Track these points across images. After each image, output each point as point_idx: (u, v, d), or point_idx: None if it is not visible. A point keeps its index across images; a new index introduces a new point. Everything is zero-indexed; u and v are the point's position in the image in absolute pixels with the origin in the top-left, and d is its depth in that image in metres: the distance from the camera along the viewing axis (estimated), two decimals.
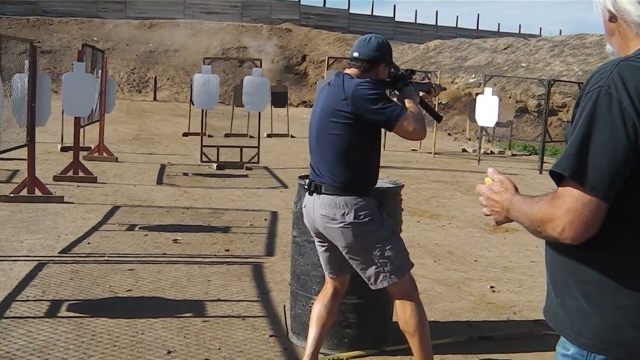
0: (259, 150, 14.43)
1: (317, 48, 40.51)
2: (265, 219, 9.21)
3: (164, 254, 7.29)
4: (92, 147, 14.64)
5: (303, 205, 4.26)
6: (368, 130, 4.02)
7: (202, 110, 14.81)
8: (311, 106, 24.31)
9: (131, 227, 8.45)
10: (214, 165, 14.02)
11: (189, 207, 9.89)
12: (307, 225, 4.27)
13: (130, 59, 38.08)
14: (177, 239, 7.86)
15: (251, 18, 43.99)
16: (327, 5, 48.22)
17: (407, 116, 3.96)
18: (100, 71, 14.57)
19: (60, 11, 41.30)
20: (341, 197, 3.96)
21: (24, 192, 9.71)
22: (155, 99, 35.22)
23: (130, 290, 6.10)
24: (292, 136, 20.36)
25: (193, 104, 15.97)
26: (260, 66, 14.91)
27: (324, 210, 4.00)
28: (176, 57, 38.91)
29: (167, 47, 39.51)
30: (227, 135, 18.74)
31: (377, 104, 3.91)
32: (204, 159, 14.37)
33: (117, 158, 14.38)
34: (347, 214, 3.93)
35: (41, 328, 5.15)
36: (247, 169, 13.95)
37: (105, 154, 14.48)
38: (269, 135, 19.54)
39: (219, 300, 5.93)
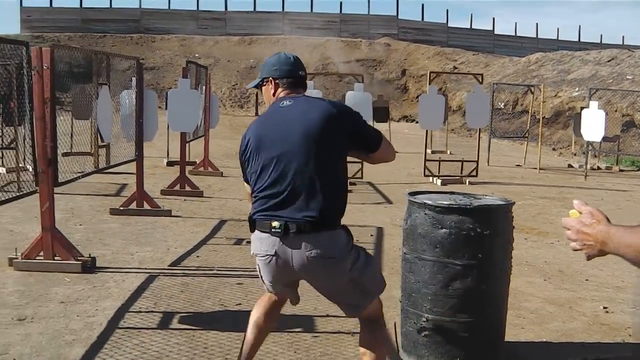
0: (362, 165, 14.41)
1: (416, 62, 40.33)
2: (371, 235, 9.15)
3: None
4: (197, 162, 14.93)
5: (272, 253, 3.65)
6: (347, 150, 3.80)
7: None
8: (413, 121, 24.26)
9: (238, 241, 8.52)
10: None
11: None
12: (268, 271, 3.79)
13: (231, 75, 38.76)
14: None
15: (349, 33, 44.19)
16: (425, 19, 48.03)
17: (387, 141, 3.93)
18: (204, 87, 14.84)
19: (162, 28, 42.46)
20: (334, 231, 3.62)
21: (133, 206, 9.95)
22: (256, 114, 35.71)
23: (240, 304, 6.14)
24: None
25: None
26: (362, 81, 14.90)
27: (320, 251, 3.56)
28: None
29: None
30: None
31: (363, 121, 3.81)
32: None
33: (222, 173, 14.60)
34: (332, 252, 3.58)
35: (154, 339, 5.23)
36: (351, 184, 13.93)
37: (210, 169, 14.73)
38: None
39: (328, 315, 5.89)
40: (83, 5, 42.78)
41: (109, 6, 43.44)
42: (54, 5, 42.62)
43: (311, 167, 3.55)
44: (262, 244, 3.69)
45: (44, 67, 6.65)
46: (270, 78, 3.90)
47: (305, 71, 3.97)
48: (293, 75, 3.85)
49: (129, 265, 7.28)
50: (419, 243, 4.76)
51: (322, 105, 3.71)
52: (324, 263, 3.57)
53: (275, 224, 3.57)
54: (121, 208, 9.88)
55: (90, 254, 7.19)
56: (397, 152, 4.33)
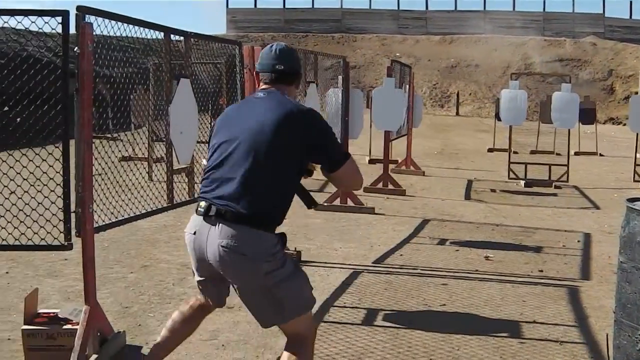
0: (568, 168, 13.86)
1: (624, 62, 38.36)
2: (578, 241, 8.76)
3: (476, 270, 7.17)
4: (399, 161, 14.97)
5: (192, 232, 3.56)
6: (303, 162, 3.56)
7: (509, 126, 14.53)
8: (620, 123, 22.96)
9: (442, 242, 8.44)
10: (522, 182, 13.67)
11: (498, 224, 9.69)
12: (189, 251, 3.66)
13: (431, 74, 38.63)
14: (488, 256, 7.71)
15: (553, 32, 42.73)
16: (633, 17, 45.55)
17: (353, 162, 3.60)
18: (407, 86, 14.84)
19: (363, 28, 42.97)
20: (249, 229, 3.38)
21: (337, 202, 10.10)
22: (457, 113, 35.39)
23: (444, 304, 6.05)
24: (600, 154, 19.37)
25: (499, 120, 15.71)
26: (570, 81, 14.34)
27: (224, 242, 3.39)
28: (477, 72, 38.84)
29: (468, 62, 39.58)
30: (532, 152, 18.22)
31: (330, 137, 3.55)
32: (511, 175, 14.07)
33: (424, 172, 14.57)
34: (249, 250, 3.37)
35: (359, 335, 5.26)
36: (556, 187, 13.42)
37: (412, 168, 14.73)
38: (576, 153, 18.73)
39: (535, 322, 5.69)
40: (286, 6, 44.13)
41: (311, 6, 44.52)
42: (258, 6, 44.29)
43: (251, 161, 3.39)
44: (190, 222, 3.62)
45: (256, 65, 6.86)
46: (255, 71, 3.83)
47: (293, 65, 3.70)
48: (271, 69, 3.64)
49: (333, 261, 7.39)
50: (637, 252, 4.48)
51: (287, 107, 3.50)
52: (234, 258, 3.38)
53: (202, 204, 3.50)
54: (325, 204, 10.06)
55: (295, 248, 7.36)
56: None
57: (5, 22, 4.53)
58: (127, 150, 12.76)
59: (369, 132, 14.88)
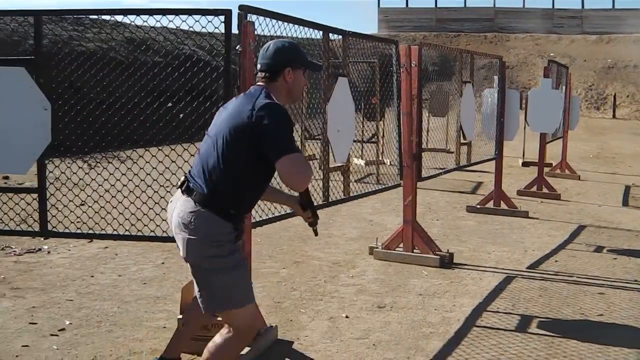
0: None
1: None
2: None
3: (635, 280, 6.83)
4: (554, 164, 14.52)
5: (172, 200, 3.75)
6: (254, 150, 3.47)
7: None
8: None
9: (598, 249, 8.09)
10: None
11: None
12: (168, 220, 3.81)
13: (587, 75, 37.30)
14: None
15: None
16: None
17: (296, 158, 3.38)
18: (564, 87, 14.37)
19: (516, 27, 42.02)
20: (203, 210, 3.50)
21: (490, 205, 9.90)
22: (614, 116, 34.00)
23: (602, 315, 5.79)
24: None
25: None
26: None
27: (181, 214, 3.55)
28: (636, 73, 37.20)
29: (626, 63, 37.96)
30: None
31: (281, 130, 3.41)
32: None
33: (579, 176, 14.06)
34: (196, 229, 3.49)
35: (512, 341, 5.11)
36: None
37: (567, 171, 14.25)
38: None
39: None
40: (438, 5, 43.76)
41: (463, 6, 43.97)
42: (410, 5, 44.13)
43: (211, 147, 3.57)
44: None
45: (412, 65, 6.82)
46: None
47: (269, 63, 3.68)
48: (259, 68, 3.73)
49: (486, 264, 7.24)
50: None
51: (245, 101, 3.57)
52: (178, 230, 3.56)
53: (182, 177, 3.71)
54: (478, 206, 9.89)
55: (448, 250, 7.26)
56: None
57: (157, 20, 4.70)
58: None
59: (523, 134, 14.52)
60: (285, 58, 3.68)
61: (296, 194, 3.84)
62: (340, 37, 6.18)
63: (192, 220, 3.51)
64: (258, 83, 3.71)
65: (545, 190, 11.64)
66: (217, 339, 3.66)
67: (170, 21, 4.57)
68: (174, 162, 5.06)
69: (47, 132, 4.80)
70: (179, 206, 3.59)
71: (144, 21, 4.62)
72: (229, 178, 3.51)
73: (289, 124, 3.45)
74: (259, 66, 3.74)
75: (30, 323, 5.28)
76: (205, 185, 3.53)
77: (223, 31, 4.40)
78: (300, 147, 12.30)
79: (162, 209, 4.69)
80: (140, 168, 5.35)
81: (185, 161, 4.86)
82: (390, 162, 12.17)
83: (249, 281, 3.76)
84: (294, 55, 3.73)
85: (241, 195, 3.58)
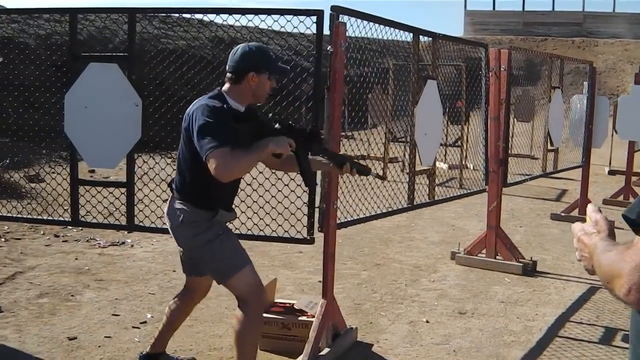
0: None
1: None
2: None
3: None
4: None
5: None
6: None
7: None
8: None
9: None
10: None
11: None
12: None
13: None
14: None
15: None
16: None
17: (217, 156, 3.50)
18: None
19: (605, 32, 40.93)
20: (177, 202, 3.92)
21: (575, 213, 9.69)
22: None
23: None
24: None
25: None
26: None
27: (166, 210, 4.01)
28: None
29: None
30: None
31: (201, 130, 3.59)
32: None
33: None
34: (177, 218, 3.89)
35: (595, 354, 5.01)
36: None
37: None
38: None
39: None
40: (525, 9, 43.02)
41: (551, 9, 43.13)
42: (496, 8, 43.49)
43: (179, 149, 3.93)
44: None
45: (502, 69, 6.73)
46: None
47: (232, 65, 3.84)
48: (227, 69, 3.91)
49: (570, 273, 7.09)
50: None
51: (196, 101, 3.82)
52: (167, 223, 4.01)
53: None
54: (562, 214, 9.70)
55: (531, 257, 7.14)
56: None
57: (249, 20, 4.75)
58: (361, 149, 13.07)
59: (611, 141, 14.17)
60: (250, 62, 3.81)
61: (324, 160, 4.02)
62: (429, 39, 6.15)
63: (172, 212, 3.93)
64: (225, 83, 3.91)
65: (632, 199, 11.31)
66: (235, 323, 3.91)
67: (262, 21, 4.62)
68: None
69: (137, 128, 4.90)
70: (168, 204, 4.03)
71: (236, 20, 4.67)
72: (190, 172, 3.84)
73: (215, 122, 3.59)
74: (227, 67, 3.90)
75: (113, 314, 5.41)
76: (178, 180, 3.94)
77: (314, 32, 4.42)
78: (384, 149, 12.31)
79: (246, 205, 4.75)
80: None
81: None
82: (473, 166, 12.04)
83: (236, 247, 3.96)
84: (259, 60, 3.84)
85: (205, 185, 3.82)
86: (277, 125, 3.72)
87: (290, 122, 3.87)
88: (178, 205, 3.90)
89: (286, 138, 3.68)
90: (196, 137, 3.60)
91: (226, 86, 3.87)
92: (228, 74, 3.85)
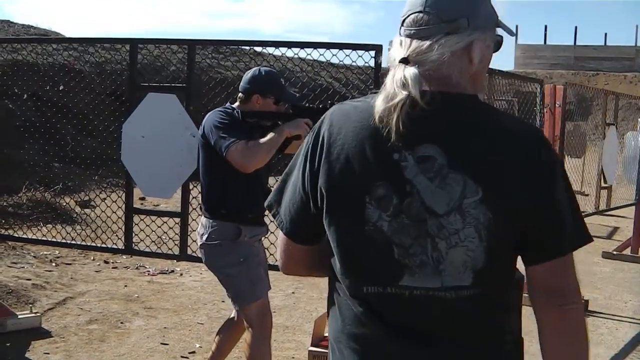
0: None
1: None
2: None
3: None
4: None
5: None
6: (219, 155, 3.78)
7: None
8: None
9: None
10: None
11: None
12: None
13: None
14: None
15: None
16: None
17: (236, 149, 3.68)
18: None
19: None
20: (204, 219, 3.96)
21: (627, 251, 9.53)
22: None
23: None
24: None
25: None
26: None
27: (198, 229, 4.05)
28: None
29: None
30: None
31: (217, 131, 3.76)
32: None
33: None
34: (203, 235, 3.92)
35: None
36: None
37: None
38: None
39: None
40: (577, 43, 42.73)
41: (603, 44, 42.78)
42: (548, 42, 43.26)
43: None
44: None
45: (557, 105, 6.68)
46: None
47: (247, 87, 4.00)
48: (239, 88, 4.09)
49: (622, 314, 6.96)
50: None
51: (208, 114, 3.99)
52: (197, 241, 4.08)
53: None
54: (614, 252, 9.54)
55: (583, 296, 6.99)
56: None
57: (307, 54, 4.78)
58: None
59: None
60: (256, 86, 4.00)
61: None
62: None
63: (200, 228, 4.01)
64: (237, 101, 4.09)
65: None
66: (244, 346, 4.07)
67: (321, 54, 4.65)
68: None
69: (193, 159, 4.94)
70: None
71: (294, 54, 4.71)
72: (209, 183, 3.96)
73: (228, 122, 3.81)
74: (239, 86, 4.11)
75: (162, 343, 5.43)
76: (202, 197, 4.03)
77: (372, 66, 4.44)
78: None
79: None
80: None
81: None
82: None
83: (252, 279, 3.97)
84: (265, 85, 4.01)
85: (224, 194, 3.93)
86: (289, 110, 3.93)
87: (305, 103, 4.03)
88: (204, 221, 3.98)
89: (301, 119, 3.84)
90: (213, 138, 3.78)
91: (236, 104, 4.06)
92: (239, 93, 4.06)
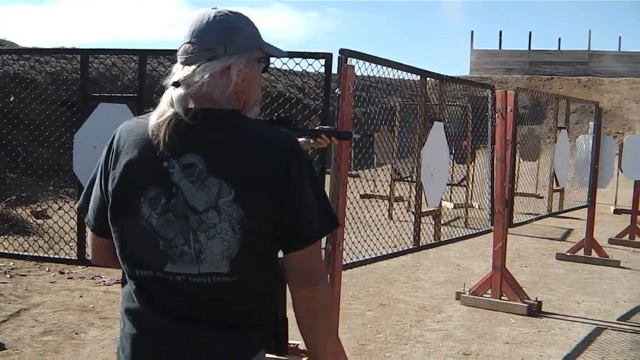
0: None
1: None
2: None
3: None
4: None
5: None
6: None
7: None
8: None
9: None
10: None
11: None
12: None
13: None
14: None
15: None
16: None
17: None
18: None
19: (611, 71, 41.09)
20: None
21: (580, 253, 9.69)
22: None
23: None
24: None
25: None
26: None
27: None
28: None
29: None
30: None
31: None
32: None
33: None
34: None
35: None
36: None
37: None
38: None
39: None
40: (531, 48, 43.26)
41: (557, 49, 43.37)
42: (502, 47, 43.73)
43: None
44: None
45: (508, 110, 6.77)
46: None
47: None
48: None
49: (575, 314, 7.07)
50: None
51: None
52: None
53: None
54: (568, 254, 9.69)
55: (536, 298, 7.12)
56: None
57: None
58: (366, 188, 13.09)
59: (616, 181, 14.19)
60: None
61: None
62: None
63: None
64: None
65: (638, 239, 11.31)
66: None
67: (271, 63, 4.65)
68: None
69: None
70: None
71: None
72: None
73: None
74: None
75: (116, 353, 5.39)
76: None
77: (324, 74, 4.47)
78: (390, 188, 12.32)
79: None
80: None
81: None
82: (479, 205, 12.06)
83: None
84: None
85: None
86: None
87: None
88: None
89: None
90: None
91: None
92: None
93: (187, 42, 1.96)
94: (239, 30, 2.00)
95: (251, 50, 2.00)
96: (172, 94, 1.93)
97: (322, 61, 4.44)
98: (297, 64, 4.55)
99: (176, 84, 1.95)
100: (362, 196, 6.65)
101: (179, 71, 1.97)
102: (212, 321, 1.93)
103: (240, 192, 1.87)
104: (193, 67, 1.94)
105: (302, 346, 4.93)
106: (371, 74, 5.04)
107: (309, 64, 4.51)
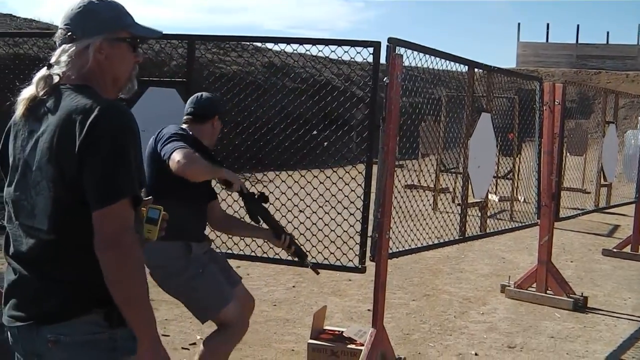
0: None
1: None
2: None
3: None
4: None
5: None
6: (168, 173, 3.64)
7: None
8: None
9: None
10: None
11: None
12: None
13: None
14: None
15: None
16: None
17: (181, 150, 3.61)
18: None
19: None
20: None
21: (627, 249, 9.56)
22: None
23: None
24: None
25: None
26: None
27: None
28: None
29: None
30: None
31: (171, 138, 3.72)
32: None
33: None
34: (151, 259, 3.60)
35: None
36: None
37: None
38: None
39: None
40: (579, 41, 42.65)
41: (605, 42, 42.71)
42: (550, 40, 43.18)
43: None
44: None
45: (556, 103, 6.69)
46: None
47: (202, 109, 4.07)
48: (185, 113, 4.12)
49: (621, 311, 6.97)
50: None
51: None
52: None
53: None
54: (614, 250, 9.56)
55: (582, 293, 7.04)
56: None
57: (307, 50, 4.81)
58: (411, 179, 13.06)
59: None
60: (217, 108, 4.11)
61: (265, 226, 4.02)
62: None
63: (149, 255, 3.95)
64: (185, 125, 4.06)
65: None
66: (212, 338, 4.00)
67: (319, 51, 4.67)
68: (303, 188, 5.12)
69: None
70: None
71: (294, 50, 4.74)
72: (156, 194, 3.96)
73: (181, 136, 3.78)
74: (190, 110, 4.10)
75: (162, 335, 5.44)
76: None
77: (371, 62, 4.47)
78: (435, 179, 12.26)
79: (299, 232, 4.78)
80: (270, 192, 5.46)
81: (314, 188, 4.98)
82: (524, 199, 11.95)
83: (210, 290, 3.92)
84: (222, 107, 4.20)
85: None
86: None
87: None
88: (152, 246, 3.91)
89: (238, 176, 3.88)
90: (161, 145, 3.73)
91: (186, 125, 4.04)
92: (189, 116, 4.05)
93: (60, 28, 2.27)
94: (96, 13, 2.25)
95: (114, 32, 2.26)
96: (38, 73, 2.23)
97: (370, 49, 4.43)
98: (345, 52, 4.55)
99: (49, 65, 2.24)
100: (406, 187, 6.62)
101: (55, 53, 2.25)
102: (38, 270, 2.18)
103: (54, 152, 2.11)
104: (60, 49, 2.24)
105: (347, 333, 4.96)
106: (417, 65, 5.03)
107: (357, 52, 4.50)
